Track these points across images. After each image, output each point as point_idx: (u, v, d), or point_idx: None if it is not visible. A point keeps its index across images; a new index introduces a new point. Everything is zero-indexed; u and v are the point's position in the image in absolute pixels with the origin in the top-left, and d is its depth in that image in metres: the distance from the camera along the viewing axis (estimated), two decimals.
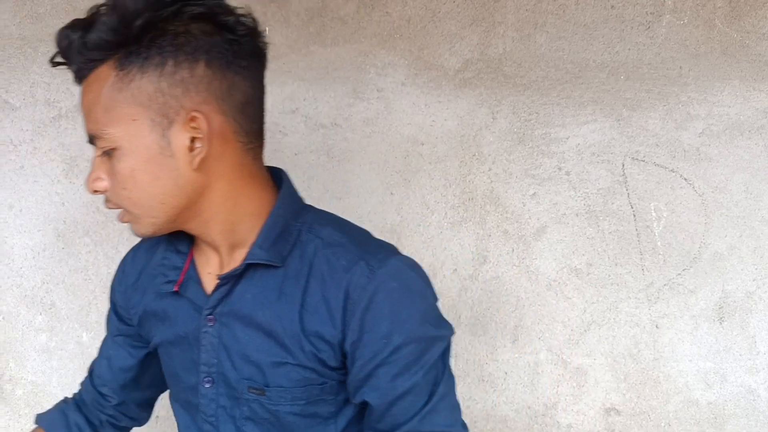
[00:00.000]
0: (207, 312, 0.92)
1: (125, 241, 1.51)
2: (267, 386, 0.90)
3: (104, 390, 1.10)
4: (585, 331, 1.55)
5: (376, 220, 1.53)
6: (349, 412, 0.95)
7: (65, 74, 1.44)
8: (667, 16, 1.49)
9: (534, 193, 1.53)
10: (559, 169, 1.52)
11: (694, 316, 1.54)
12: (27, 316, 1.54)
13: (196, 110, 0.80)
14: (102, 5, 0.78)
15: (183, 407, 1.02)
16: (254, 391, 0.91)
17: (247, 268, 0.89)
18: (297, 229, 0.91)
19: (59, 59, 0.83)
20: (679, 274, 1.53)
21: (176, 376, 1.00)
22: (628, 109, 1.51)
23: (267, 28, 1.45)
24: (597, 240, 1.54)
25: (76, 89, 1.47)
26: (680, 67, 1.50)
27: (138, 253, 1.05)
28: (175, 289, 0.94)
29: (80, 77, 0.83)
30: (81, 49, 0.79)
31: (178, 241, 0.96)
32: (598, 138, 1.51)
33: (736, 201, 1.52)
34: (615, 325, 1.55)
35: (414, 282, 0.89)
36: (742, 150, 1.52)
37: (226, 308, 0.91)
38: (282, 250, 0.89)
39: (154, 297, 0.99)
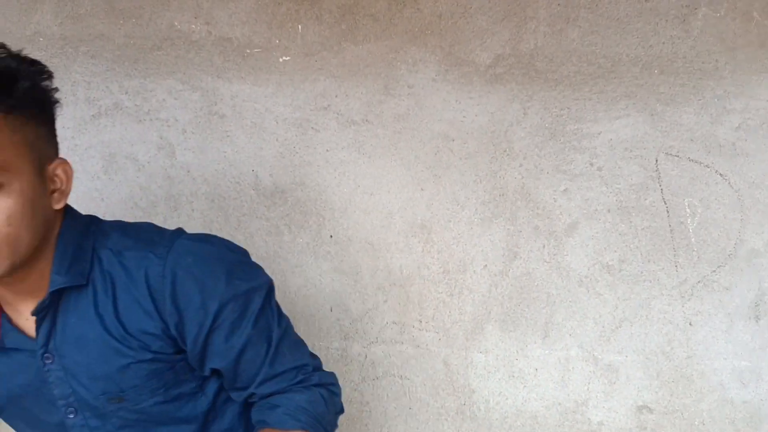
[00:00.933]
0: (41, 351, 0.93)
1: None
2: (123, 391, 0.94)
3: None
4: (617, 328, 1.54)
5: (407, 216, 1.54)
6: (214, 382, 1.01)
7: (105, 73, 1.50)
8: (704, 9, 1.46)
9: (565, 189, 1.52)
10: (591, 164, 1.51)
11: (729, 313, 1.52)
12: None
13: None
14: None
15: None
16: (114, 400, 0.94)
17: (54, 296, 0.91)
18: (90, 246, 0.95)
19: None
20: (714, 271, 1.51)
21: (36, 422, 1.00)
22: (662, 103, 1.49)
23: (299, 26, 1.47)
24: (629, 236, 1.52)
25: (115, 88, 1.52)
26: (716, 61, 1.47)
27: None
28: None
29: None
30: None
31: None
32: (630, 133, 1.50)
33: None
34: (647, 323, 1.54)
35: (206, 249, 0.97)
36: None
37: (57, 341, 0.93)
38: (82, 269, 0.92)
39: None
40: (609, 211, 1.52)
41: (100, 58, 1.50)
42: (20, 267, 0.85)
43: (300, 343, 1.04)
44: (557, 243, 1.53)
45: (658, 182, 1.51)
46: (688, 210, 1.51)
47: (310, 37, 1.48)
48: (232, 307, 0.94)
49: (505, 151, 1.51)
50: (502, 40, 1.48)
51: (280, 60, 1.50)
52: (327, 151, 1.53)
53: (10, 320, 0.94)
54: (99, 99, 1.51)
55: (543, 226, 1.53)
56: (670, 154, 1.50)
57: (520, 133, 1.51)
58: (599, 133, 1.50)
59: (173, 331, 0.93)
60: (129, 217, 1.53)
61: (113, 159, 1.53)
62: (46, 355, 0.93)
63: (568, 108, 1.50)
